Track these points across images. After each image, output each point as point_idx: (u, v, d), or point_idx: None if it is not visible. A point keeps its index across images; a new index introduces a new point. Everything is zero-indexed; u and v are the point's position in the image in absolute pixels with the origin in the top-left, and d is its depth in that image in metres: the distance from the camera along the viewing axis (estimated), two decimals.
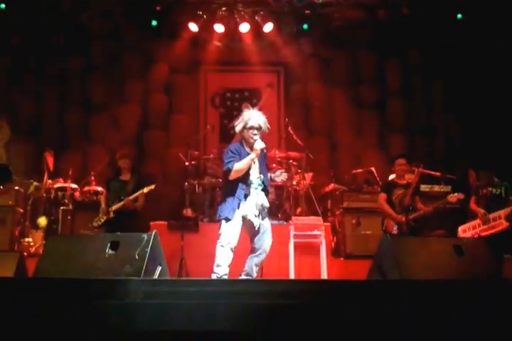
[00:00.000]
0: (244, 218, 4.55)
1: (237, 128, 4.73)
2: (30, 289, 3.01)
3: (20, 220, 7.29)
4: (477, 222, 6.14)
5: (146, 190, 6.09)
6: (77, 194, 7.49)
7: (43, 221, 7.23)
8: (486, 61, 8.64)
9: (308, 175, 7.63)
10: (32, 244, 7.00)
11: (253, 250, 4.65)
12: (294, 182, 7.35)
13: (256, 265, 4.65)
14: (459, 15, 8.70)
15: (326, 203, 7.99)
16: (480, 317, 2.82)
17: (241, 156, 4.60)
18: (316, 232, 6.34)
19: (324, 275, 6.09)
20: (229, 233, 4.51)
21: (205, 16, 8.77)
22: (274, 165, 7.32)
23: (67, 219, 7.14)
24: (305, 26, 9.08)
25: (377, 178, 7.78)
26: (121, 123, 9.12)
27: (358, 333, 2.76)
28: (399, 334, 2.77)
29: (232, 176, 4.58)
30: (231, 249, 4.49)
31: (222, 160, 4.80)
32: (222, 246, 4.49)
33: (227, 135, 8.38)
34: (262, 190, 4.67)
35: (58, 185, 7.47)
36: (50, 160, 7.56)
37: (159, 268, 4.00)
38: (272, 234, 4.74)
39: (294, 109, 9.39)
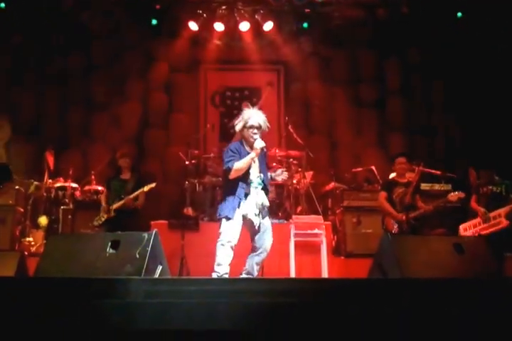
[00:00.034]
0: (244, 217, 4.56)
1: (237, 127, 4.73)
2: (31, 289, 3.01)
3: (21, 220, 7.30)
4: (478, 220, 6.15)
5: (146, 188, 6.10)
6: (77, 193, 7.49)
7: (43, 220, 7.24)
8: (486, 60, 8.63)
9: (309, 174, 7.63)
10: (33, 243, 7.01)
11: (254, 249, 4.65)
12: (295, 181, 7.34)
13: (257, 264, 4.65)
14: (459, 14, 8.70)
15: (326, 202, 7.99)
16: (480, 315, 2.82)
17: (241, 155, 4.60)
18: (316, 231, 6.34)
19: (325, 274, 6.09)
20: (229, 232, 4.51)
21: (205, 15, 8.77)
22: (274, 164, 7.32)
23: (67, 219, 7.14)
24: (305, 25, 9.07)
25: (378, 177, 7.79)
26: (121, 122, 9.12)
27: (359, 332, 2.77)
28: (400, 332, 2.77)
29: (232, 175, 4.58)
30: (231, 248, 4.50)
31: (222, 159, 4.80)
32: (223, 244, 4.50)
33: (227, 134, 8.38)
34: (262, 189, 4.68)
35: (59, 184, 7.47)
36: (50, 160, 7.56)
37: (160, 268, 3.99)
38: (273, 233, 4.73)
39: (294, 108, 9.39)
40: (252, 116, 4.67)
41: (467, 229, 6.23)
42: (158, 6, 8.78)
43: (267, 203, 4.68)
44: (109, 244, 3.93)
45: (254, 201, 4.57)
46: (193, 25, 8.80)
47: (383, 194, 6.17)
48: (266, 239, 4.65)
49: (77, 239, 4.38)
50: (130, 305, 2.86)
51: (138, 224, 6.25)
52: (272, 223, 4.93)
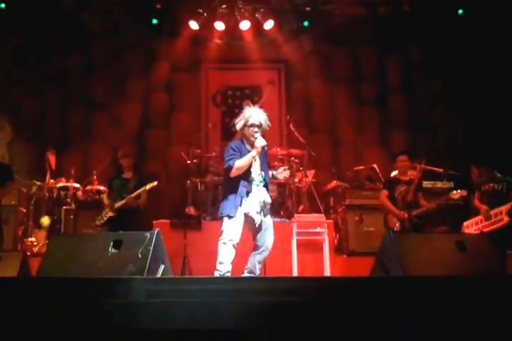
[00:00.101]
0: (246, 215, 4.55)
1: (238, 126, 4.72)
2: (33, 289, 3.02)
3: (23, 220, 7.31)
4: (479, 218, 6.14)
5: (148, 186, 6.08)
6: (79, 193, 7.50)
7: (45, 220, 7.25)
8: (487, 57, 8.61)
9: (310, 173, 7.62)
10: (35, 243, 7.02)
11: (256, 247, 4.65)
12: (296, 180, 7.34)
13: (259, 262, 4.64)
14: (460, 11, 8.68)
15: (328, 200, 7.98)
16: (483, 313, 2.82)
17: (242, 154, 4.60)
18: (318, 229, 6.33)
19: (327, 273, 6.08)
20: (231, 230, 4.50)
21: (205, 14, 8.76)
22: (275, 162, 7.32)
23: (69, 219, 7.14)
24: (306, 23, 9.07)
25: (380, 175, 7.78)
26: (122, 122, 9.12)
27: (362, 330, 2.76)
28: (402, 330, 2.77)
29: (233, 173, 4.57)
30: (233, 246, 4.49)
31: (223, 157, 4.80)
32: (225, 243, 4.49)
33: (228, 133, 8.38)
34: (263, 186, 4.68)
35: (61, 184, 7.48)
36: (52, 160, 7.57)
37: (162, 267, 4.00)
38: (275, 231, 4.72)
39: (295, 106, 9.38)
40: (253, 115, 4.67)
41: (469, 227, 6.22)
42: (158, 6, 8.79)
43: (269, 200, 4.67)
44: (112, 243, 3.93)
45: (256, 198, 4.57)
46: (194, 25, 8.80)
47: (385, 192, 6.17)
48: (267, 238, 4.64)
49: (80, 239, 4.38)
50: (132, 305, 2.86)
51: (140, 223, 6.24)
52: (274, 222, 4.92)
